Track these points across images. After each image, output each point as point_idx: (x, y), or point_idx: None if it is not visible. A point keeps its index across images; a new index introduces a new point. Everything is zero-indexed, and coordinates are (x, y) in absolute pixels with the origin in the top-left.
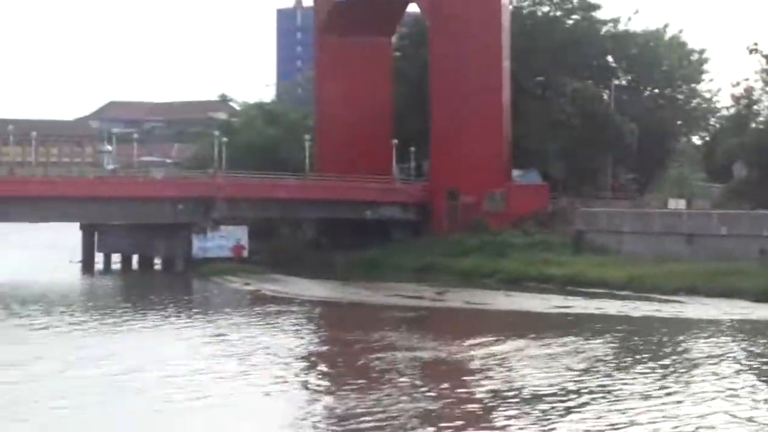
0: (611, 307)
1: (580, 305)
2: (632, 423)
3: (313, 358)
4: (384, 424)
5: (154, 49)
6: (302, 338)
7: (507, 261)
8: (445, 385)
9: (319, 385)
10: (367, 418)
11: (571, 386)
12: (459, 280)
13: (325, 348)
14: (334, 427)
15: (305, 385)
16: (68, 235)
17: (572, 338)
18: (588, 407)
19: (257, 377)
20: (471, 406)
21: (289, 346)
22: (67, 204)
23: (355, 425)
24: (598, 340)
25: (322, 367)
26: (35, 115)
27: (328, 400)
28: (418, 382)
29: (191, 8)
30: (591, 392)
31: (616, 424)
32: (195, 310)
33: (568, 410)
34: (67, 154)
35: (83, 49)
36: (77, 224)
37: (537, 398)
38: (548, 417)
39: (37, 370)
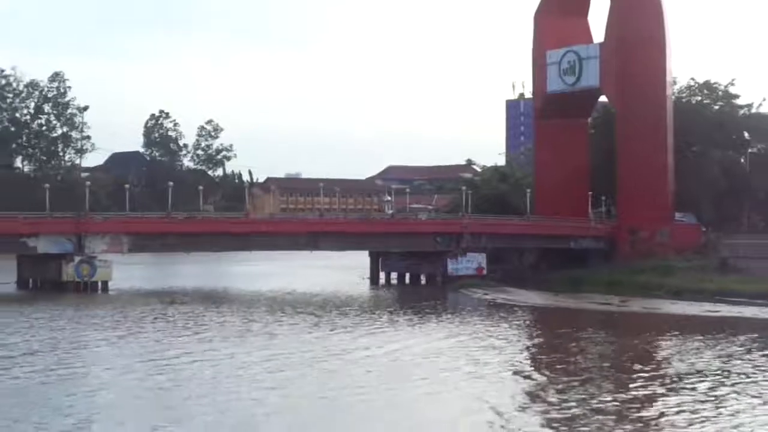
0: (748, 311)
1: (725, 310)
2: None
3: (527, 347)
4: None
5: (421, 125)
6: (521, 332)
7: (672, 279)
8: (628, 368)
9: (528, 368)
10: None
11: (728, 367)
12: (636, 291)
13: (537, 340)
14: (541, 402)
15: (515, 369)
16: (356, 260)
17: (717, 334)
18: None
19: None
20: (647, 384)
21: (511, 338)
22: (362, 238)
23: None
24: (741, 337)
25: (532, 353)
26: (337, 175)
27: (536, 378)
28: (606, 364)
29: (443, 96)
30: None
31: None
32: (449, 311)
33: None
34: (360, 203)
35: (369, 122)
36: (365, 252)
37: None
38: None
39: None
